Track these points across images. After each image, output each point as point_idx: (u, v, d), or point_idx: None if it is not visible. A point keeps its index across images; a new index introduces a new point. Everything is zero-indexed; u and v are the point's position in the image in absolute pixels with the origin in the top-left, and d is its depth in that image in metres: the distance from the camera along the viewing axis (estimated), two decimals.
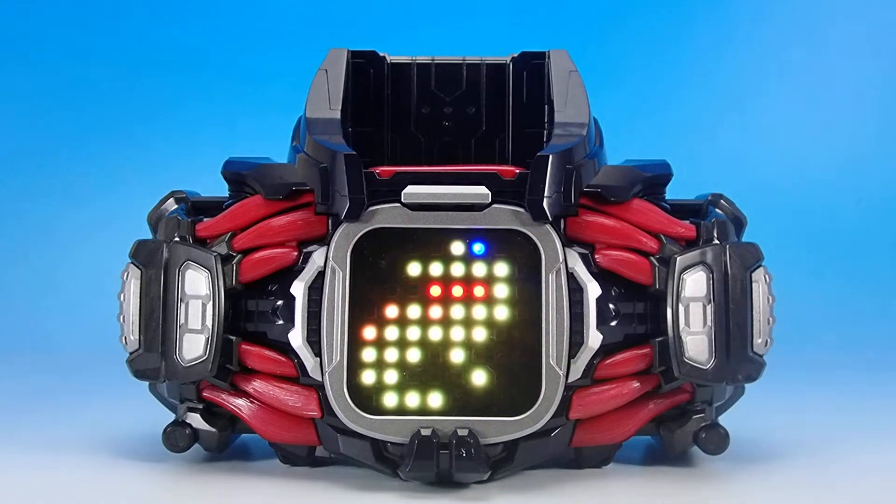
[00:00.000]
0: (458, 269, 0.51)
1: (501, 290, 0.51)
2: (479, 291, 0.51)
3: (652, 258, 0.53)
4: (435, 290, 0.51)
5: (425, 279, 0.51)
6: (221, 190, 0.57)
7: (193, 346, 0.52)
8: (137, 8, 1.30)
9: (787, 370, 0.75)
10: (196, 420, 0.54)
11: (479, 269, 0.51)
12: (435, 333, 0.51)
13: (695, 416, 0.55)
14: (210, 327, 0.51)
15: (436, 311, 0.51)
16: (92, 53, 1.28)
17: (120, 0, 1.31)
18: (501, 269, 0.51)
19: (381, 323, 0.51)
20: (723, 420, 0.56)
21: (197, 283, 0.52)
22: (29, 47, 1.29)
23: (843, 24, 1.34)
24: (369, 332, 0.51)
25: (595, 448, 0.54)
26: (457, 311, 0.51)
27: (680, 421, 0.55)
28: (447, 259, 0.51)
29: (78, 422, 0.68)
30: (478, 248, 0.51)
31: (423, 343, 0.51)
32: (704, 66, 1.33)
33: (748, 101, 1.31)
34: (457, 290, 0.51)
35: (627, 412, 0.53)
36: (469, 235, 0.51)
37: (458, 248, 0.51)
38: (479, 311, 0.51)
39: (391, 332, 0.51)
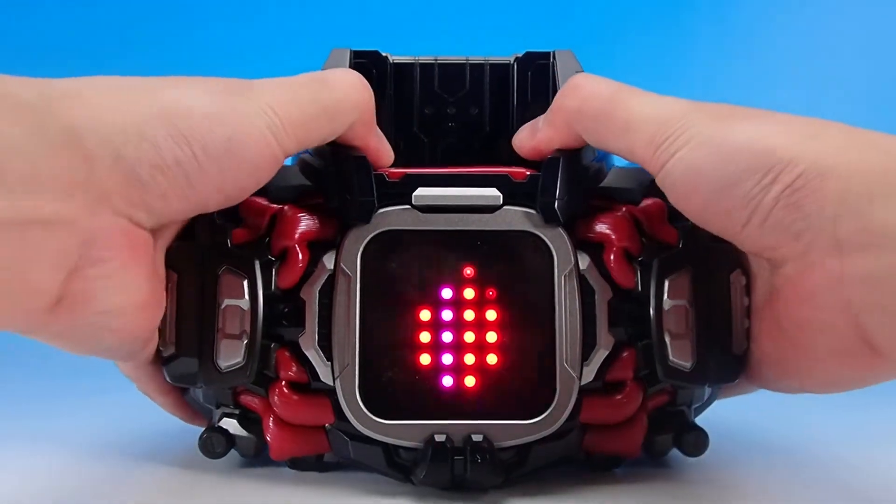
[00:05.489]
0: (469, 272, 0.51)
1: (513, 293, 0.50)
2: (490, 294, 0.51)
3: (634, 261, 0.52)
4: (446, 293, 0.51)
5: (437, 282, 0.51)
6: None
7: (232, 352, 0.51)
8: (138, 7, 1.28)
9: None
10: (233, 426, 0.54)
11: (490, 272, 0.51)
12: (447, 336, 0.50)
13: (675, 419, 0.54)
14: (249, 333, 0.50)
15: (447, 315, 0.50)
16: (91, 52, 1.27)
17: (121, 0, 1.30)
18: (513, 271, 0.51)
19: (393, 326, 0.50)
20: (728, 422, 0.56)
21: (236, 288, 0.51)
22: (30, 48, 1.27)
23: (845, 22, 1.34)
24: (381, 336, 0.50)
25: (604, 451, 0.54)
26: (469, 314, 0.50)
27: (660, 423, 0.54)
28: (458, 261, 0.51)
29: (83, 424, 0.67)
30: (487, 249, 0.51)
31: (436, 346, 0.50)
32: (706, 66, 1.34)
33: (749, 100, 1.32)
34: (468, 293, 0.51)
35: (633, 414, 0.53)
36: (480, 237, 0.51)
37: (469, 248, 0.51)
38: (491, 314, 0.50)
39: (403, 336, 0.50)
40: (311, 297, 0.50)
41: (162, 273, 0.50)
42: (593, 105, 0.50)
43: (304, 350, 0.50)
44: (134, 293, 0.46)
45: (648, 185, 0.54)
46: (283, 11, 1.30)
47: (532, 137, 0.54)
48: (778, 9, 1.36)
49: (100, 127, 0.44)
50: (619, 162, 0.57)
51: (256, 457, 0.55)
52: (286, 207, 0.53)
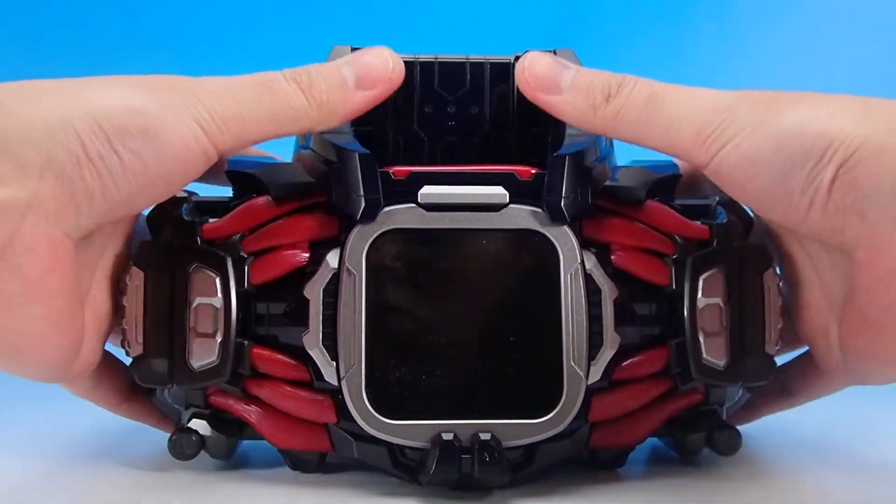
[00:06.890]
0: (475, 270, 0.50)
1: (520, 292, 0.50)
2: (496, 291, 0.50)
3: (667, 259, 0.53)
4: (451, 291, 0.50)
5: (442, 280, 0.50)
6: (218, 190, 0.56)
7: (205, 351, 0.50)
8: (137, 5, 1.28)
9: None
10: (203, 426, 0.53)
11: (496, 270, 0.50)
12: (453, 335, 0.50)
13: (707, 418, 0.54)
14: (223, 331, 0.50)
15: (453, 313, 0.50)
16: (90, 51, 1.26)
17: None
18: (519, 269, 0.50)
19: (399, 326, 0.50)
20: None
21: (208, 286, 0.50)
22: (28, 44, 1.27)
23: (845, 20, 1.35)
24: (386, 335, 0.50)
25: (610, 449, 0.53)
26: (474, 313, 0.50)
27: (692, 422, 0.54)
28: (464, 259, 0.50)
29: (79, 429, 0.66)
30: (493, 248, 0.51)
31: (442, 345, 0.50)
32: (708, 66, 1.34)
33: None
34: (473, 291, 0.50)
35: (644, 414, 0.53)
36: (486, 236, 0.50)
37: (475, 248, 0.50)
38: (497, 313, 0.50)
39: (408, 335, 0.50)
40: (315, 296, 0.50)
41: (86, 291, 0.49)
42: (630, 116, 0.49)
43: (307, 349, 0.50)
44: (49, 309, 0.46)
45: (653, 184, 0.54)
46: (284, 9, 1.29)
47: (546, 88, 0.52)
48: (780, 4, 1.37)
49: (27, 132, 0.44)
50: (621, 161, 0.57)
51: (227, 458, 0.54)
52: (259, 200, 0.52)
